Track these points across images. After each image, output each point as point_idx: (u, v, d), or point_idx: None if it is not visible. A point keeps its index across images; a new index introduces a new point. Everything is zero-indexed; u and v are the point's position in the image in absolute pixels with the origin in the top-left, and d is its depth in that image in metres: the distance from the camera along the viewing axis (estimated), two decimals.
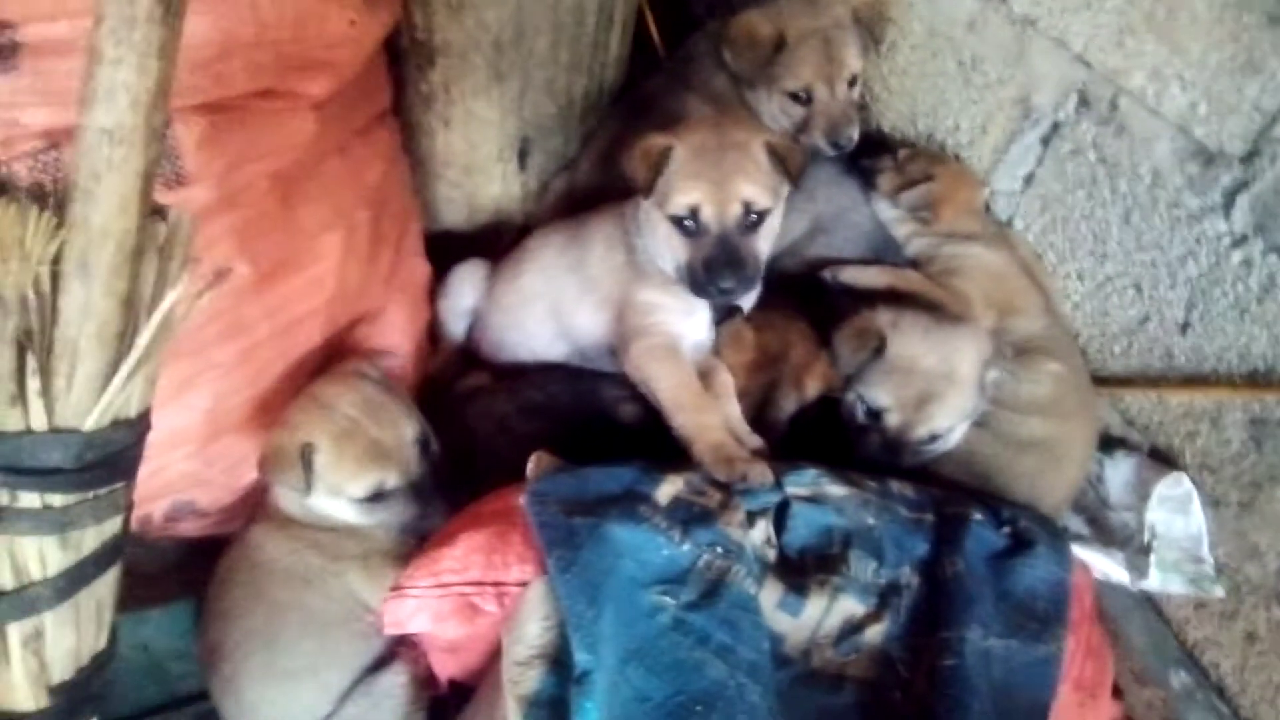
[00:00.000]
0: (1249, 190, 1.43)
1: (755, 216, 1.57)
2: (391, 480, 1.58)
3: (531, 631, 1.25)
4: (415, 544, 1.63)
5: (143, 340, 1.04)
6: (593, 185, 2.03)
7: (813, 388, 1.77)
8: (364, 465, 1.56)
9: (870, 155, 2.04)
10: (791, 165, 1.59)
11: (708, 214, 1.55)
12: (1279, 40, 1.33)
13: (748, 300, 1.75)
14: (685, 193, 1.55)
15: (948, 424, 1.68)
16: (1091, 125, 1.68)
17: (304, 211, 1.58)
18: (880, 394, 1.68)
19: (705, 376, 1.69)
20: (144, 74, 0.94)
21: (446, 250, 2.09)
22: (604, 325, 1.76)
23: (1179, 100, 1.50)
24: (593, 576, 1.27)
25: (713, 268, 1.56)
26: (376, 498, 1.58)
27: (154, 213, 1.05)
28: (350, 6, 1.43)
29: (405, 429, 1.61)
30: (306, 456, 1.53)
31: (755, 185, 1.55)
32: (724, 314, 1.73)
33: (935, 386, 1.65)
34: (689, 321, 1.70)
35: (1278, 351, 1.44)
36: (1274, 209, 1.40)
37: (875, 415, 1.70)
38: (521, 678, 1.21)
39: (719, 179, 1.53)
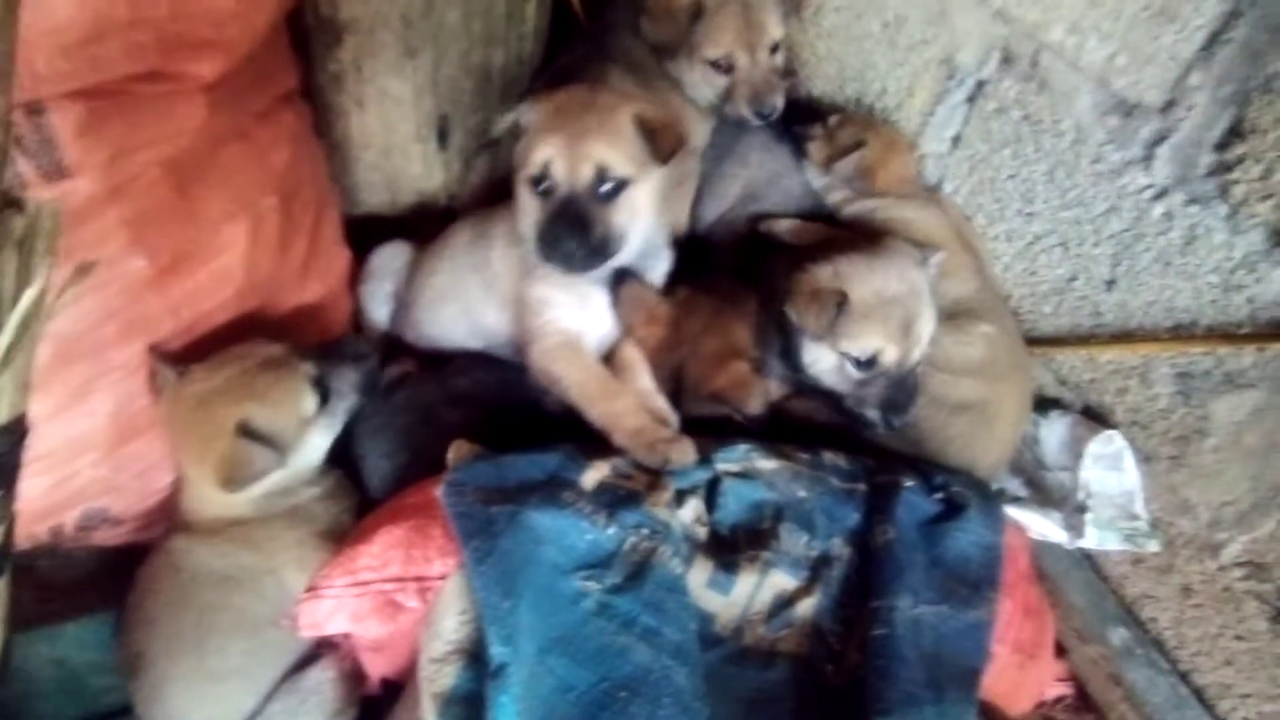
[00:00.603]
0: (1168, 141, 1.41)
1: (611, 184, 1.48)
2: (311, 368, 1.57)
3: (448, 626, 1.21)
4: (350, 522, 1.59)
5: (3, 341, 0.97)
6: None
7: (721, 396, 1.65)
8: (288, 382, 1.54)
9: (802, 121, 2.00)
10: (660, 142, 1.49)
11: (558, 170, 1.47)
12: None
13: (657, 272, 1.69)
14: (538, 149, 1.48)
15: (929, 337, 1.62)
16: (1014, 82, 1.65)
17: (203, 200, 1.51)
18: (868, 338, 1.59)
19: (612, 353, 1.65)
20: None
21: (371, 235, 2.02)
22: (510, 325, 1.70)
23: (1097, 53, 1.47)
24: (510, 566, 1.23)
25: (555, 227, 1.47)
26: (325, 394, 1.58)
27: (10, 204, 0.98)
28: None
29: (263, 345, 1.58)
30: (254, 433, 1.47)
31: (611, 149, 1.46)
32: (617, 279, 1.64)
33: (911, 306, 1.59)
34: (584, 315, 1.62)
35: (1201, 304, 1.43)
36: (1193, 158, 1.38)
37: (869, 363, 1.61)
38: (438, 675, 1.17)
39: (572, 135, 1.46)
